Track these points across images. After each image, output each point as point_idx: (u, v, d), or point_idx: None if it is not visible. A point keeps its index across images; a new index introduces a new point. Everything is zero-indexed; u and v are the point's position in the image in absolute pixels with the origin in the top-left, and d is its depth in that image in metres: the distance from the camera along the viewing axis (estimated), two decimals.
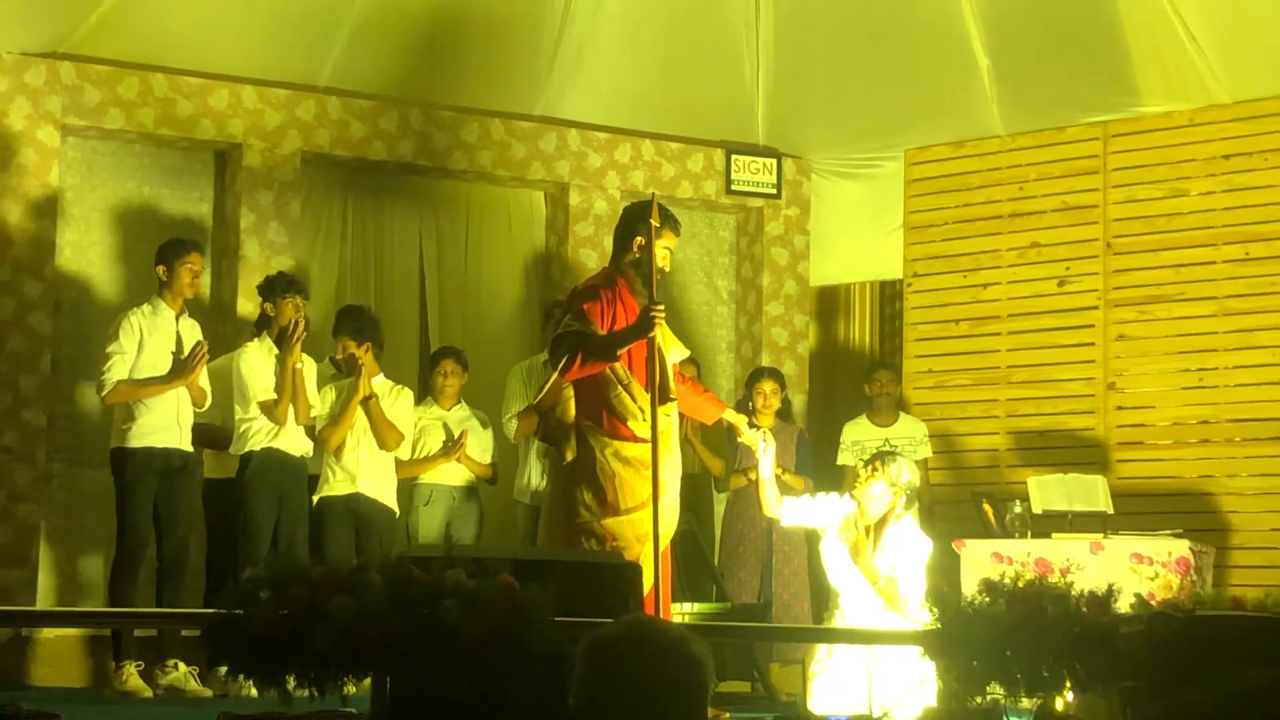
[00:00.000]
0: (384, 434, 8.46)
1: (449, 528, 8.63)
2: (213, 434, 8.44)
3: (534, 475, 8.97)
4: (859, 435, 9.86)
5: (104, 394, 8.04)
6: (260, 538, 8.11)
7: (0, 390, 8.90)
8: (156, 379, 8.00)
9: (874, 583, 7.23)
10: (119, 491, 8.03)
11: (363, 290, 9.96)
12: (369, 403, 8.41)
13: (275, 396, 8.17)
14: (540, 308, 10.09)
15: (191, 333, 8.19)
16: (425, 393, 9.20)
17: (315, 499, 8.41)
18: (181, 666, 7.99)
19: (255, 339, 8.38)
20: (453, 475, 8.90)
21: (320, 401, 8.42)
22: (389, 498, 8.56)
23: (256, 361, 8.24)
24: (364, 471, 8.44)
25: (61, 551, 9.15)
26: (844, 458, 9.88)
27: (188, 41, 9.41)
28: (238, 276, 9.43)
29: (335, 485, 8.44)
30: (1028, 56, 10.10)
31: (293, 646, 4.39)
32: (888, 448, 9.57)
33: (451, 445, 8.84)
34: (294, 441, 8.23)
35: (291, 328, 8.17)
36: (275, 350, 8.24)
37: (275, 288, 8.37)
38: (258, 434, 8.17)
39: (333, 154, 9.88)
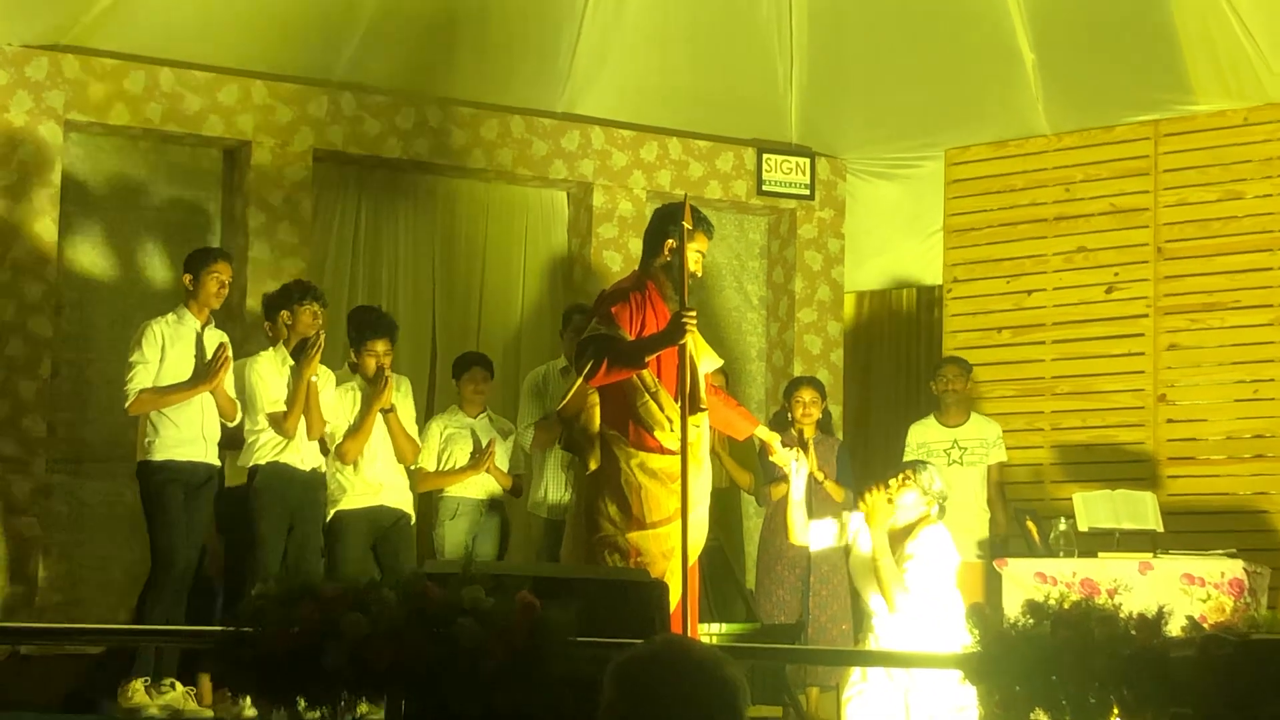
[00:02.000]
0: (403, 447, 8.47)
1: (473, 543, 8.63)
2: (229, 436, 8.44)
3: (550, 487, 8.97)
4: (925, 437, 9.70)
5: (127, 404, 8.05)
6: (269, 553, 8.11)
7: None
8: (179, 385, 8.02)
9: (878, 559, 7.17)
10: (147, 506, 8.04)
11: (375, 293, 9.97)
12: (389, 415, 8.42)
13: (285, 409, 8.18)
14: (560, 312, 10.08)
15: (217, 342, 8.20)
16: (431, 399, 9.19)
17: (329, 513, 8.41)
18: (179, 686, 7.99)
19: (270, 348, 8.38)
20: (478, 488, 8.90)
21: (341, 405, 8.40)
22: (408, 505, 8.57)
23: (268, 371, 8.25)
24: (385, 483, 8.45)
25: (62, 565, 9.18)
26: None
27: (195, 34, 9.44)
28: (246, 279, 9.46)
29: (354, 498, 8.42)
30: (1075, 51, 10.08)
31: (304, 665, 4.40)
32: (956, 449, 9.57)
33: (480, 456, 8.82)
34: (303, 455, 8.23)
35: (314, 340, 8.17)
36: (290, 361, 8.25)
37: (293, 295, 8.37)
38: (264, 447, 8.18)
39: (346, 152, 9.91)
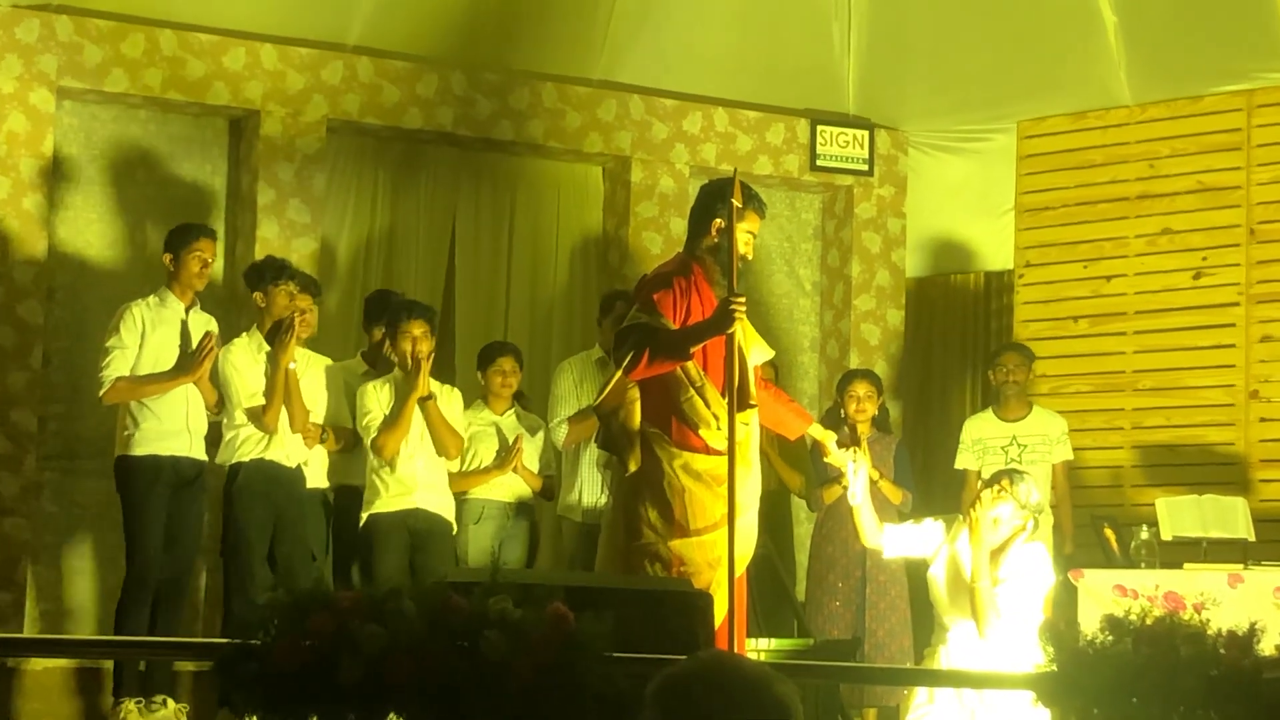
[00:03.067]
0: (444, 439, 8.48)
1: (499, 549, 8.65)
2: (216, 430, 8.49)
3: (585, 488, 8.98)
4: (982, 432, 9.68)
5: (102, 392, 8.12)
6: (252, 558, 8.15)
7: None
8: (159, 375, 8.07)
9: (976, 580, 7.19)
10: (125, 506, 8.10)
11: (392, 276, 9.98)
12: (427, 403, 8.42)
13: (264, 400, 8.20)
14: (596, 298, 10.10)
15: (204, 327, 8.24)
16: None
17: (364, 516, 8.44)
18: (171, 704, 8.03)
19: (244, 334, 8.41)
20: (505, 490, 8.91)
21: (376, 402, 8.43)
22: (448, 510, 8.59)
23: (242, 361, 8.27)
24: (422, 483, 8.47)
25: (53, 572, 9.23)
26: (963, 459, 9.73)
27: None
28: (254, 260, 9.48)
29: (389, 500, 8.44)
30: (1161, 14, 10.06)
31: (317, 680, 4.42)
32: (1015, 447, 9.53)
33: (507, 454, 8.83)
34: (288, 451, 8.27)
35: (288, 322, 8.18)
36: (265, 346, 8.27)
37: (265, 274, 8.40)
38: (245, 443, 8.22)
39: (362, 122, 9.93)
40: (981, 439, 9.65)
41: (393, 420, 8.38)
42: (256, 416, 8.20)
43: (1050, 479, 9.53)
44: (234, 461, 8.23)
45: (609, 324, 8.66)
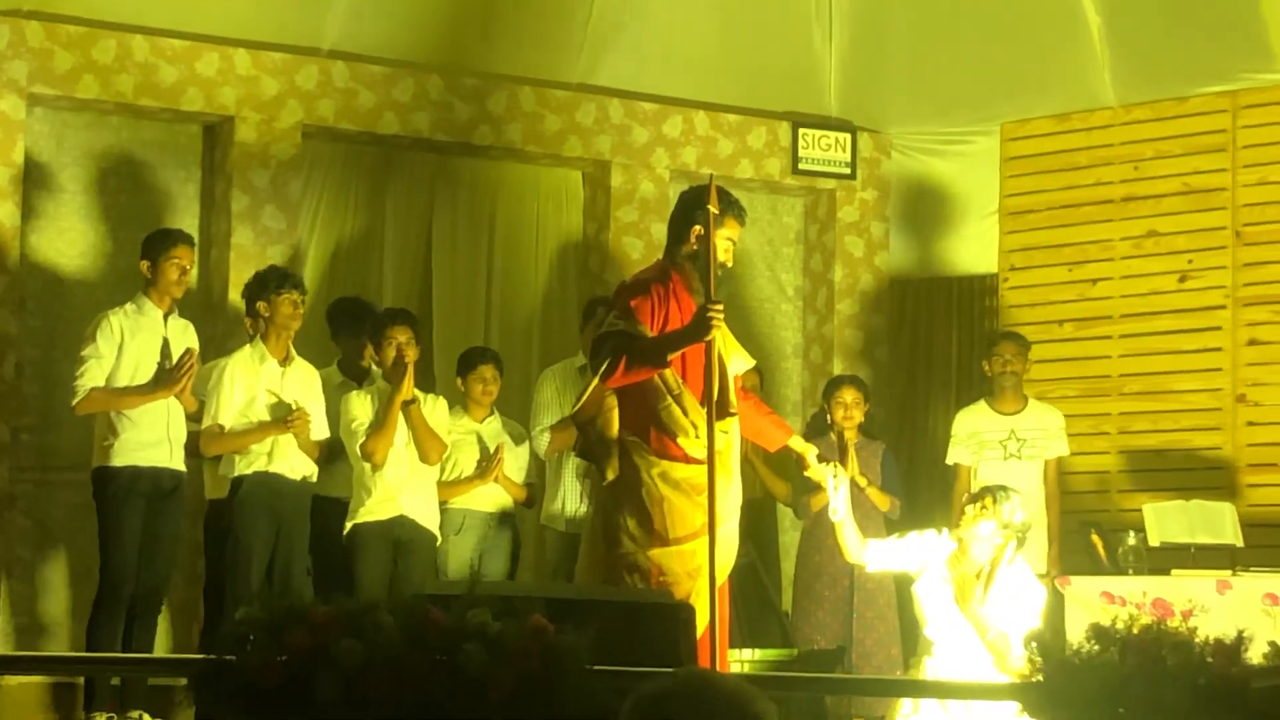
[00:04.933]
0: (427, 444, 8.48)
1: (478, 561, 8.64)
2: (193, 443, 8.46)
3: (568, 498, 8.99)
4: (977, 425, 9.53)
5: (75, 401, 8.09)
6: (252, 572, 8.14)
7: None
8: (137, 388, 8.05)
9: (983, 635, 7.19)
10: (101, 517, 8.08)
11: (368, 283, 9.97)
12: (410, 407, 8.43)
13: (257, 418, 8.18)
14: (576, 304, 10.11)
15: (182, 335, 8.23)
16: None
17: (348, 525, 8.43)
18: (147, 718, 8.03)
19: (247, 345, 8.40)
20: (486, 500, 8.90)
21: (362, 408, 8.44)
22: (432, 521, 8.58)
23: (240, 373, 8.25)
24: (407, 490, 8.46)
25: (25, 586, 9.21)
26: (955, 454, 9.58)
27: None
28: (228, 268, 9.49)
29: (372, 508, 8.42)
30: (1145, 14, 10.07)
31: (293, 696, 4.42)
32: (1014, 441, 9.46)
33: (488, 464, 8.83)
34: (293, 463, 8.26)
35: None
36: (268, 358, 8.27)
37: (269, 284, 8.39)
38: (249, 454, 8.21)
39: (338, 127, 9.93)
40: (977, 432, 9.53)
41: (379, 424, 8.39)
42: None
43: (1044, 475, 9.42)
44: (237, 473, 8.21)
45: (590, 330, 8.66)
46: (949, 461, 9.65)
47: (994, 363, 9.59)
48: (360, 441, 8.40)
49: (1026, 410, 9.57)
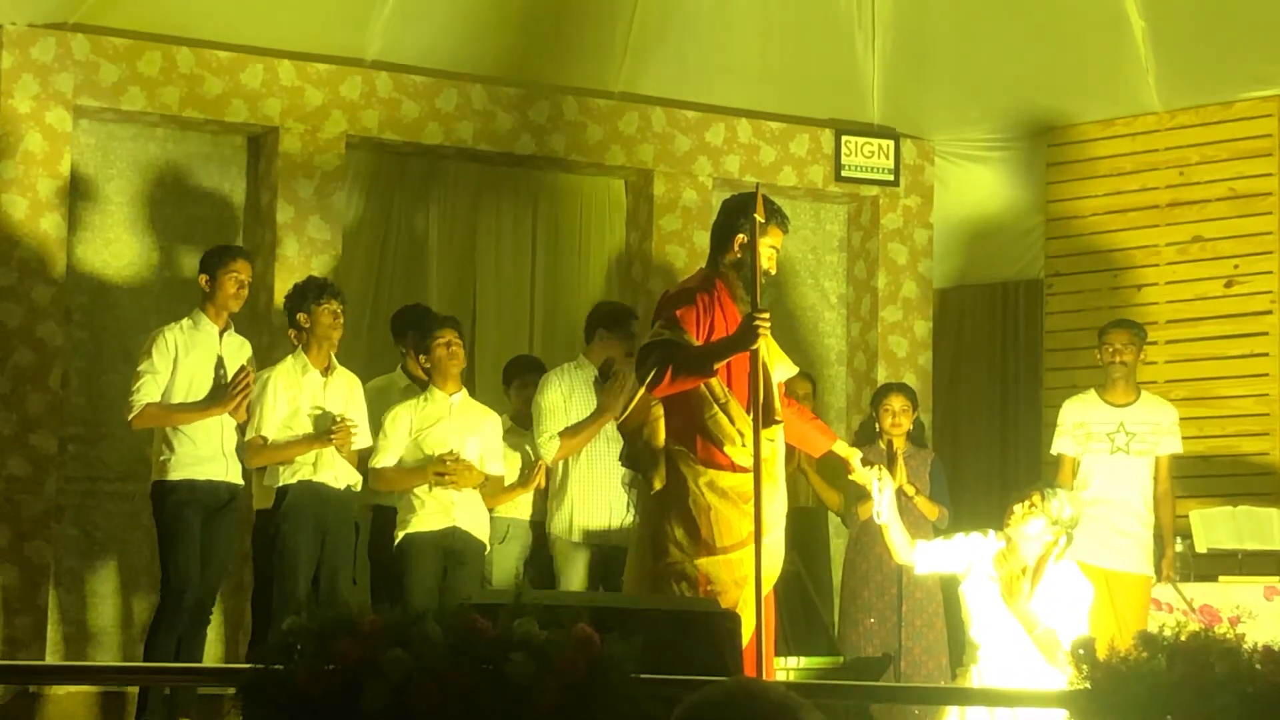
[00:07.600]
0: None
1: (524, 570, 8.63)
2: None
3: (577, 507, 8.83)
4: (1086, 415, 9.00)
5: (131, 416, 8.12)
6: (298, 582, 8.16)
7: (5, 411, 9.01)
8: (192, 405, 8.07)
9: (1030, 630, 7.17)
10: (160, 529, 8.12)
11: (413, 292, 9.99)
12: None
13: (293, 430, 8.19)
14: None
15: (238, 352, 8.24)
16: None
17: (399, 535, 8.43)
18: None
19: (289, 356, 8.42)
20: (530, 508, 8.91)
21: (395, 428, 8.44)
22: (483, 531, 8.58)
23: (282, 384, 8.26)
24: (459, 501, 8.47)
25: (73, 596, 9.26)
26: (1060, 444, 9.08)
27: (217, 10, 9.52)
28: (274, 279, 9.52)
29: (425, 519, 8.42)
30: (1191, 18, 10.04)
31: (341, 707, 4.42)
32: (1123, 434, 9.30)
33: (531, 472, 8.81)
34: (337, 472, 8.28)
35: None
36: (310, 369, 8.29)
37: (309, 294, 8.41)
38: (294, 463, 8.23)
39: (382, 138, 9.96)
40: (1085, 423, 8.98)
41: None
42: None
43: (1154, 471, 8.96)
44: (282, 483, 8.24)
45: (596, 346, 8.78)
46: (1054, 451, 9.16)
47: (1104, 351, 9.01)
48: (376, 463, 8.40)
49: (1139, 402, 9.01)
